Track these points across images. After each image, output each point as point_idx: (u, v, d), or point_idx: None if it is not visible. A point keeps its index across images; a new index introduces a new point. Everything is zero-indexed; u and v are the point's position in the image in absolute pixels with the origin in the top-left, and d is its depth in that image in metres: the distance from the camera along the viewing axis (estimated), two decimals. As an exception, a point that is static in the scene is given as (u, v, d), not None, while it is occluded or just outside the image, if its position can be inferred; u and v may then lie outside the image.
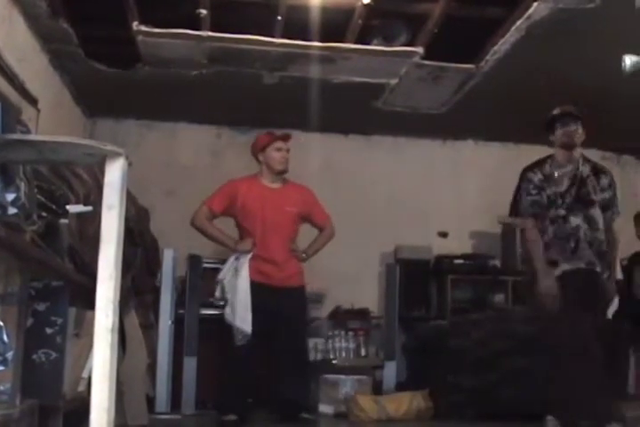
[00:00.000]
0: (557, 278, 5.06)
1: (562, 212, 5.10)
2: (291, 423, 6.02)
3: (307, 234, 6.41)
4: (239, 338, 5.88)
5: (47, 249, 3.25)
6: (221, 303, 6.33)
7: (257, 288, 5.97)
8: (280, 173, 6.27)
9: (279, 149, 6.20)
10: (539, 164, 5.30)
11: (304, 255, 6.21)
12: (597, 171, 5.27)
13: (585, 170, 5.21)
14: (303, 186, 6.44)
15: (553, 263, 5.08)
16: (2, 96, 4.66)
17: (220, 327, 6.30)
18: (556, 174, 5.21)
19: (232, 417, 5.90)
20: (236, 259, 6.05)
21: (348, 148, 8.67)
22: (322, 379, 7.25)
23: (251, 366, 6.01)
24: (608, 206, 5.23)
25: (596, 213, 5.14)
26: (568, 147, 5.24)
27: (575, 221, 5.09)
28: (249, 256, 6.00)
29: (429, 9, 5.82)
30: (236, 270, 6.00)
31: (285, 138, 6.30)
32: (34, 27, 5.77)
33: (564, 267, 5.06)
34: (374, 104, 7.65)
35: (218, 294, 6.16)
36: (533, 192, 5.21)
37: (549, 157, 5.31)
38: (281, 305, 5.98)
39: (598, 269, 5.08)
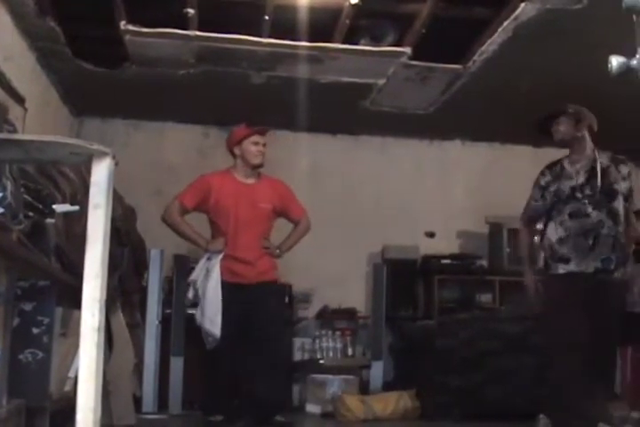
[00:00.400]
0: (560, 277, 5.07)
1: (583, 206, 5.07)
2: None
3: (283, 228, 6.32)
4: (209, 341, 5.74)
5: (33, 249, 3.25)
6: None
7: (229, 288, 5.80)
8: (256, 168, 6.07)
9: (256, 143, 5.99)
10: (554, 163, 5.31)
11: (278, 251, 6.04)
12: (616, 161, 5.24)
13: (603, 160, 5.19)
14: (278, 180, 6.24)
15: (564, 260, 5.08)
16: (-12, 95, 4.66)
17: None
18: (568, 169, 5.20)
19: (218, 417, 5.84)
20: (208, 259, 5.90)
21: (336, 148, 8.68)
22: (309, 379, 7.26)
23: (228, 367, 5.83)
24: (628, 197, 5.20)
25: (620, 204, 5.11)
26: (562, 145, 5.27)
27: (598, 216, 5.02)
28: (220, 257, 5.84)
29: (417, 9, 5.83)
30: (208, 271, 5.84)
31: (262, 132, 6.08)
32: (21, 25, 5.75)
33: (572, 268, 5.04)
34: (362, 104, 7.66)
35: (190, 295, 5.99)
36: (538, 196, 5.24)
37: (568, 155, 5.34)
38: (254, 301, 5.81)
39: (612, 266, 5.03)
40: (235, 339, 5.77)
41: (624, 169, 5.20)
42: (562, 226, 5.10)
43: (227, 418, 5.82)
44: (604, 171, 5.11)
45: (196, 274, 5.94)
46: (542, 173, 5.28)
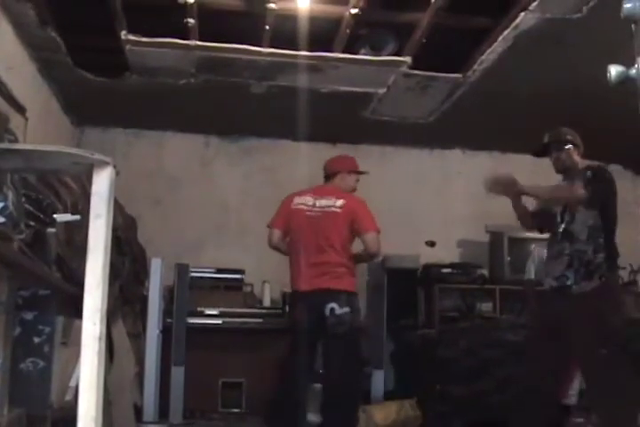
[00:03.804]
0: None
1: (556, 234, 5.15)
2: None
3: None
4: None
5: (35, 258, 3.25)
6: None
7: None
8: None
9: (357, 180, 6.22)
10: None
11: None
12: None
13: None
14: None
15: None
16: (-11, 105, 4.66)
17: (207, 337, 6.36)
18: None
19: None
20: None
21: (336, 157, 8.67)
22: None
23: None
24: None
25: (576, 224, 5.10)
26: (558, 172, 5.29)
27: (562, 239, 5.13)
28: None
29: (417, 18, 5.84)
30: None
31: (363, 173, 6.28)
32: (22, 35, 5.76)
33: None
34: (362, 113, 7.67)
35: None
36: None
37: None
38: None
39: (569, 282, 5.01)
40: None
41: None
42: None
43: None
44: None
45: None
46: None
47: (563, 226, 5.10)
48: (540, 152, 5.37)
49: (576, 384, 6.22)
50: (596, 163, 5.37)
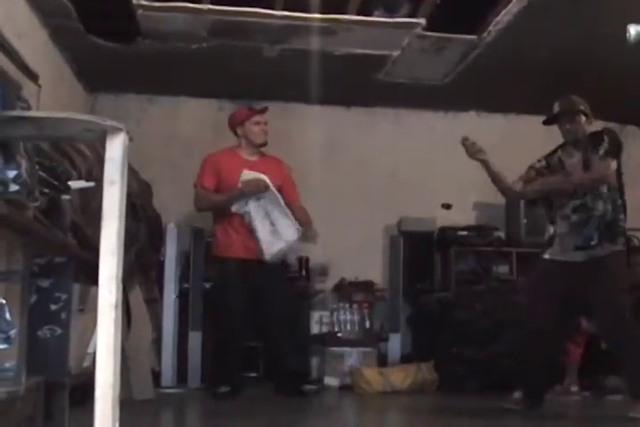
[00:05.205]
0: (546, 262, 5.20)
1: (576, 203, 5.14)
2: (292, 396, 6.16)
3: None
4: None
5: (50, 225, 3.25)
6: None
7: (243, 264, 6.16)
8: (260, 146, 6.39)
9: (258, 123, 6.33)
10: (549, 154, 5.34)
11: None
12: (595, 145, 5.17)
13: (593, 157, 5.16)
14: (280, 160, 6.53)
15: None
16: (2, 72, 4.64)
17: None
18: (566, 163, 5.22)
19: (225, 389, 6.09)
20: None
21: (350, 120, 8.64)
22: (327, 352, 7.28)
23: (239, 340, 6.29)
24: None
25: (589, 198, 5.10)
26: (571, 143, 5.25)
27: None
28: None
29: (431, -21, 5.78)
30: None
31: (263, 111, 6.39)
32: (33, 2, 5.72)
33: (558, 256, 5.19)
34: (376, 76, 7.61)
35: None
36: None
37: (561, 145, 5.34)
38: (265, 278, 6.17)
39: (594, 242, 5.03)
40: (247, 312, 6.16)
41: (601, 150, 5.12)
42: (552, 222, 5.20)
43: (233, 389, 6.14)
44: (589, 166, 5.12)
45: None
46: (538, 160, 5.34)
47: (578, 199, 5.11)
48: (550, 121, 5.34)
49: None
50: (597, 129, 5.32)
